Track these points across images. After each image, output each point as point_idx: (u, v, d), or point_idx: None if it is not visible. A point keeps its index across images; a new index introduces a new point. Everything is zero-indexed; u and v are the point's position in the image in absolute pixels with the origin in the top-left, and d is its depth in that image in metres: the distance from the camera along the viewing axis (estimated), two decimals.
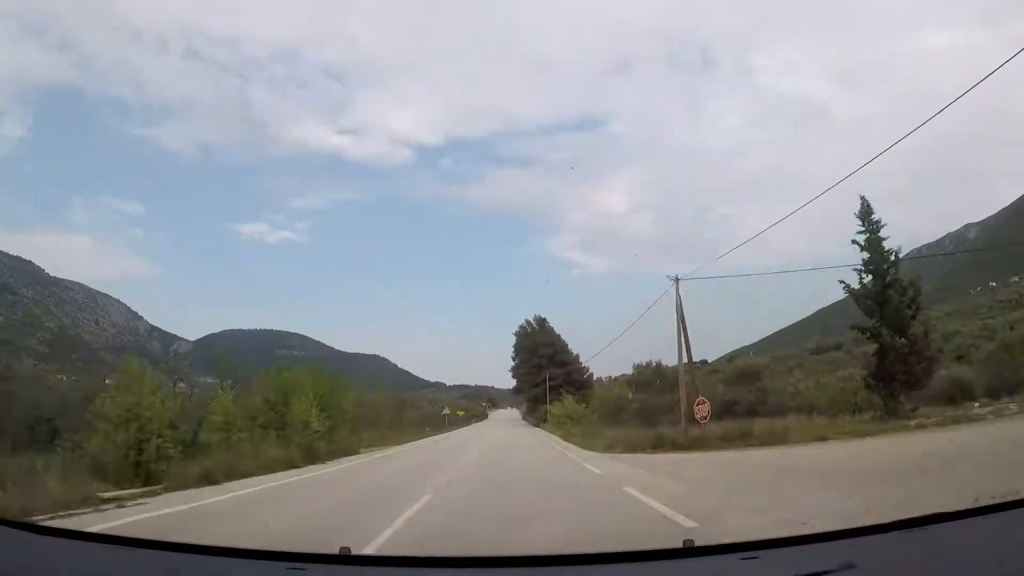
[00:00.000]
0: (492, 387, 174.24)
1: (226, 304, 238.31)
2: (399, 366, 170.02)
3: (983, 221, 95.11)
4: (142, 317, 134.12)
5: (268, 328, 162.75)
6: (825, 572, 1.52)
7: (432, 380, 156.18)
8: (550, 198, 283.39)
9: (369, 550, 4.97)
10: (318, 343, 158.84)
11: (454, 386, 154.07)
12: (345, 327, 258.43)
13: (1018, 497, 1.83)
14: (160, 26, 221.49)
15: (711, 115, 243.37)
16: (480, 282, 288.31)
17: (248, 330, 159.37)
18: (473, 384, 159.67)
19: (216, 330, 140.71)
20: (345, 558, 1.79)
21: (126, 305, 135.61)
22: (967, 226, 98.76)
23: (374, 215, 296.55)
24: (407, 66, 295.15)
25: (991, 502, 1.87)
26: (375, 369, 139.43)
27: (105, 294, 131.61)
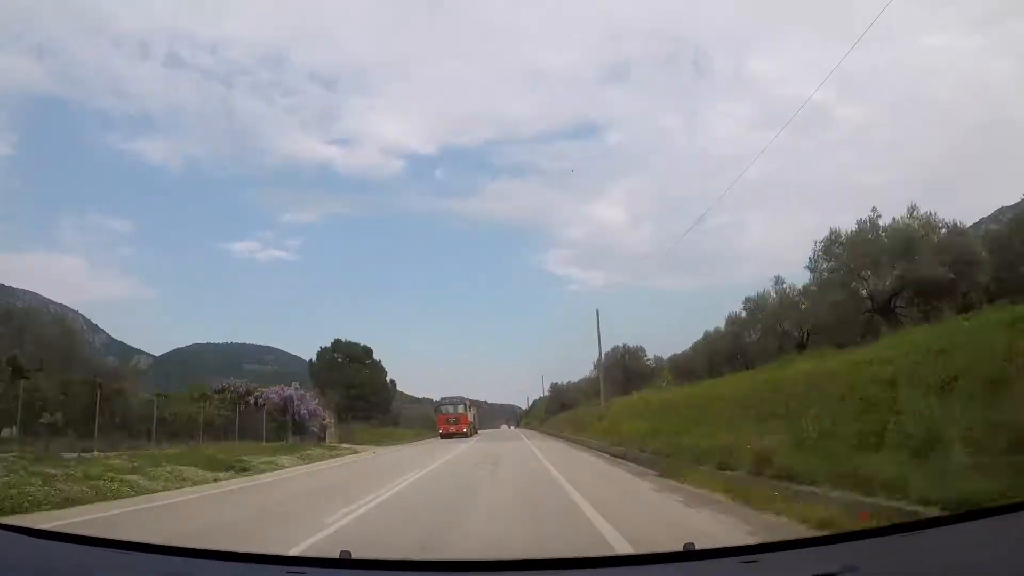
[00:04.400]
0: (485, 402, 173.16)
1: (202, 319, 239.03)
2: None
3: None
4: (102, 330, 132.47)
5: (239, 342, 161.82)
6: (826, 575, 1.66)
7: (420, 396, 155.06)
8: (546, 211, 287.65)
9: None
10: (294, 357, 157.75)
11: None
12: (329, 342, 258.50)
13: (1018, 501, 1.97)
14: (141, 30, 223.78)
15: (708, 123, 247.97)
16: (474, 298, 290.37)
17: (218, 344, 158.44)
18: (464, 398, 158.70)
19: (183, 344, 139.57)
20: (345, 562, 1.92)
21: (84, 316, 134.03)
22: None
23: (365, 230, 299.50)
24: (398, 72, 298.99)
25: (992, 505, 2.00)
26: None
27: (61, 304, 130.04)
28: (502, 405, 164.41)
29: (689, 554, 1.96)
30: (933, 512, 4.84)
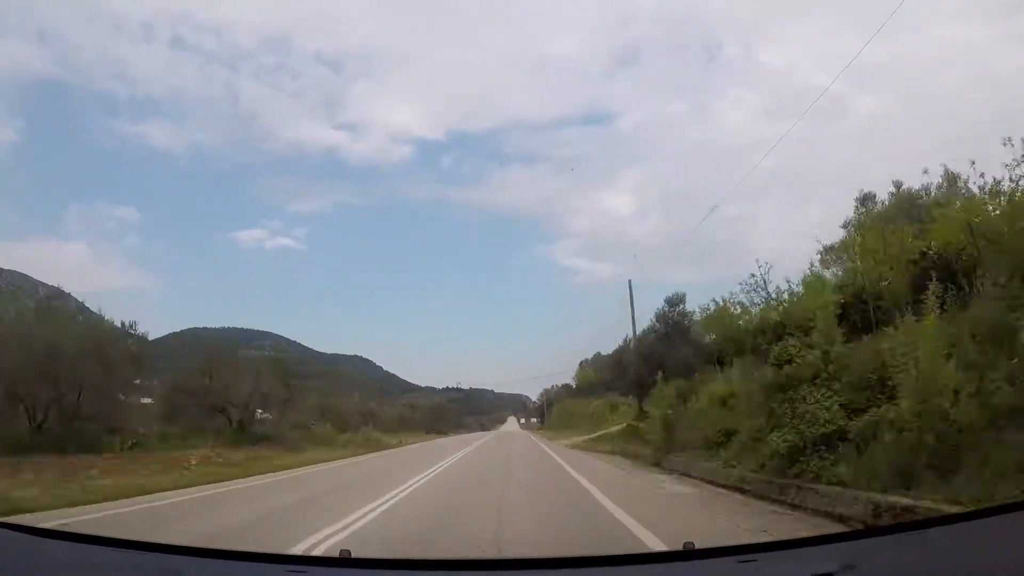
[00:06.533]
0: (491, 391, 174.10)
1: (200, 304, 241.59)
2: (384, 368, 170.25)
3: None
4: (94, 312, 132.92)
5: (237, 326, 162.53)
6: (824, 575, 1.72)
7: (422, 384, 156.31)
8: (554, 201, 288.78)
9: None
10: (293, 342, 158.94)
11: (444, 389, 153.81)
12: (333, 329, 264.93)
13: (1017, 500, 2.02)
14: (143, 13, 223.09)
15: (719, 111, 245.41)
16: (480, 288, 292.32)
17: (215, 328, 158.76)
18: (467, 387, 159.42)
19: (179, 328, 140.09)
20: (345, 560, 2.00)
21: (76, 299, 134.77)
22: None
23: (370, 219, 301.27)
24: (405, 55, 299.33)
25: (991, 505, 2.05)
26: (355, 370, 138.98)
27: (55, 286, 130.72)
28: (510, 395, 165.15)
29: (688, 553, 2.03)
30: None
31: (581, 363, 78.39)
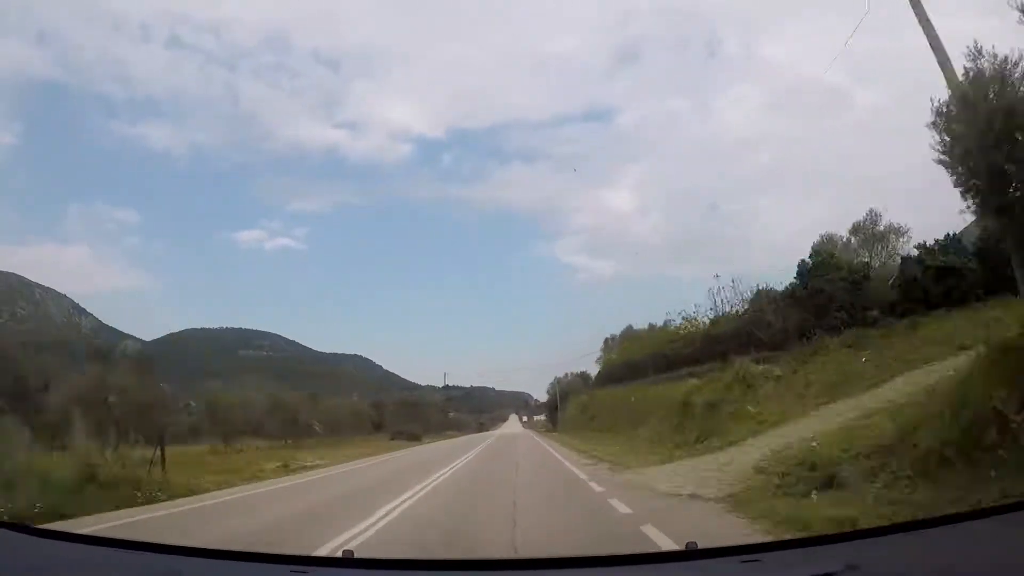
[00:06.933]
0: (492, 389, 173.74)
1: (198, 305, 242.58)
2: (384, 367, 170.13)
3: None
4: (90, 314, 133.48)
5: (235, 327, 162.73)
6: (827, 575, 1.72)
7: (423, 383, 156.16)
8: (554, 199, 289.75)
9: None
10: (292, 343, 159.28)
11: (444, 387, 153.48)
12: (333, 329, 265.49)
13: (1017, 500, 2.02)
14: (143, 13, 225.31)
15: (720, 109, 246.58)
16: (480, 286, 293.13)
17: (213, 329, 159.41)
18: (468, 386, 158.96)
19: (176, 329, 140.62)
20: (348, 561, 2.01)
21: (71, 300, 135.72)
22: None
23: (372, 219, 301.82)
24: (405, 53, 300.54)
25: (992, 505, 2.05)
26: (355, 370, 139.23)
27: (48, 287, 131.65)
28: (511, 392, 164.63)
29: (690, 553, 2.03)
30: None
31: (606, 340, 59.39)
